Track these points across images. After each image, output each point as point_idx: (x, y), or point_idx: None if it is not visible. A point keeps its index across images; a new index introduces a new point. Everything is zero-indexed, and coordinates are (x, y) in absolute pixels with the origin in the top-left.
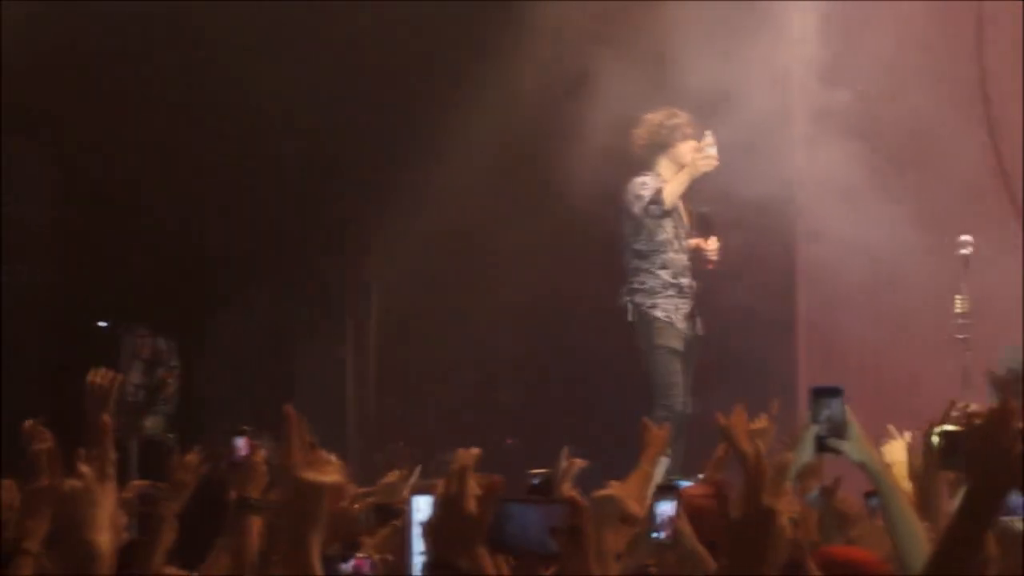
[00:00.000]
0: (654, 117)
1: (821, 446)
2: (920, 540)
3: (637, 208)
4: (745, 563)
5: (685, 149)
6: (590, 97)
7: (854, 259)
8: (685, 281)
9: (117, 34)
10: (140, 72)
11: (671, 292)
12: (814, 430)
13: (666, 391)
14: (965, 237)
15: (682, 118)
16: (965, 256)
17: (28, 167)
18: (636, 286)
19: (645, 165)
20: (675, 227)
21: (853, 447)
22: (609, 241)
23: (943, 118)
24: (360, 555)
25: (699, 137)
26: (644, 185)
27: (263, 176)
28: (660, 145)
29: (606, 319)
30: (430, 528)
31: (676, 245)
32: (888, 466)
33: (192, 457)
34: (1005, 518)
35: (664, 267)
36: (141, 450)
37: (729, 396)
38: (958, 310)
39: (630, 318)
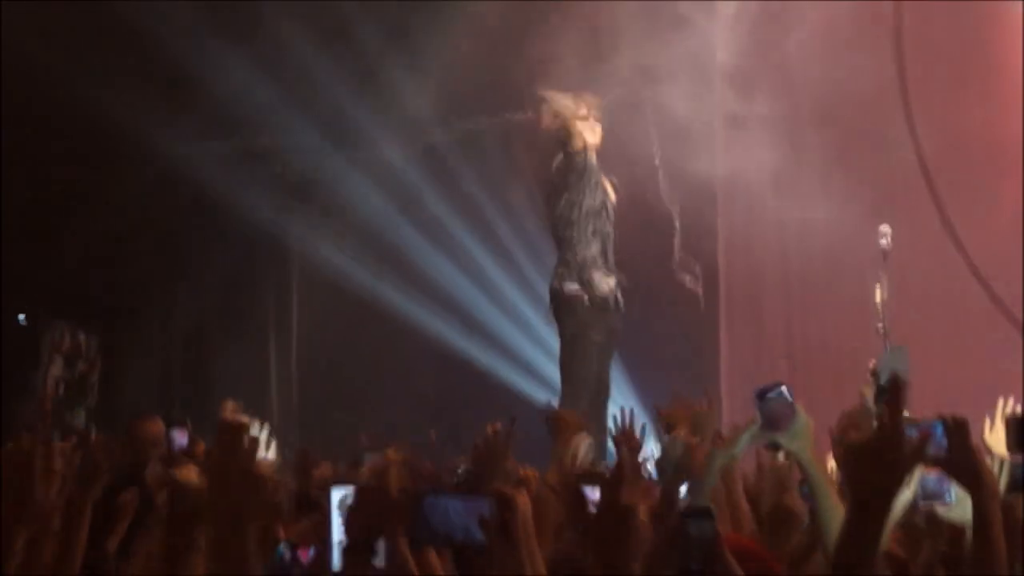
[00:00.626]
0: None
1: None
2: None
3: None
4: (608, 557)
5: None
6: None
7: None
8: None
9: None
10: (79, 73)
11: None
12: (754, 428)
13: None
14: (884, 227)
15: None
16: (884, 246)
17: None
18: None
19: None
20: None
21: (788, 438)
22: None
23: (865, 111)
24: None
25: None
26: None
27: (187, 172)
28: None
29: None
30: (351, 514)
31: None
32: (819, 462)
33: (107, 441)
34: (928, 502)
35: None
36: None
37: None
38: (877, 300)
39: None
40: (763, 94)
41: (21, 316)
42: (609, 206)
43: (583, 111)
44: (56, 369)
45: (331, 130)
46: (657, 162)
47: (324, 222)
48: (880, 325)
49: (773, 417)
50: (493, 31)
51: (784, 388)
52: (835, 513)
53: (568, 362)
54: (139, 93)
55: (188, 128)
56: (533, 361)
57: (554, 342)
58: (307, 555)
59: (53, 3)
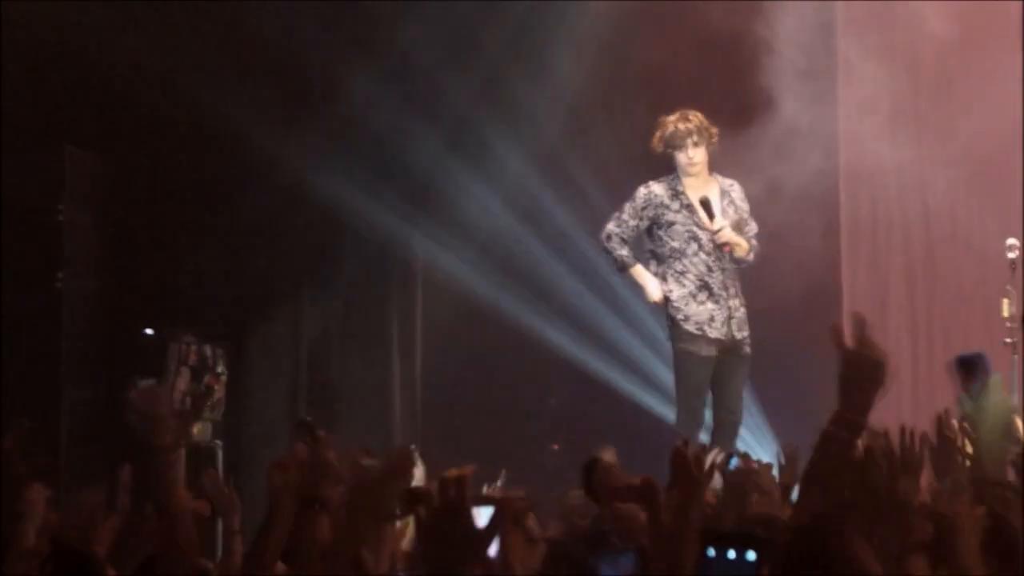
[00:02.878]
0: (668, 119)
1: None
2: None
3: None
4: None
5: (683, 158)
6: None
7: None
8: (714, 283)
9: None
10: (204, 83)
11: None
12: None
13: (686, 399)
14: (1012, 240)
15: (693, 122)
16: (1012, 260)
17: (83, 175)
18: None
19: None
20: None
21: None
22: None
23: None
24: None
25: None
26: (636, 196)
27: (314, 183)
28: (673, 147)
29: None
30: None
31: (696, 247)
32: None
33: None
34: None
35: (684, 272)
36: (188, 457)
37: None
38: (1005, 314)
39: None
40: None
41: (148, 329)
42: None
43: (692, 136)
44: (182, 383)
45: (455, 140)
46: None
47: (449, 233)
48: (1008, 340)
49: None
50: (615, 39)
51: None
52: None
53: (676, 379)
54: (265, 104)
55: (315, 139)
56: (661, 378)
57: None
58: None
59: (174, 9)
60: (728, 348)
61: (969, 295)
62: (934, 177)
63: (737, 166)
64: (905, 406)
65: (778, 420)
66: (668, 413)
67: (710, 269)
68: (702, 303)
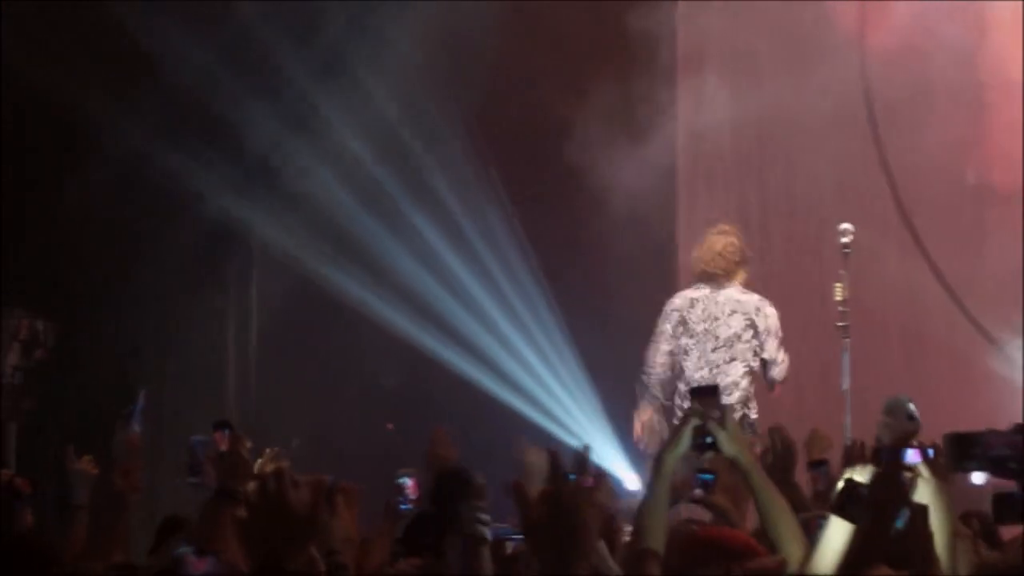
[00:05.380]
0: (737, 239)
1: (695, 443)
2: (791, 527)
3: (781, 354)
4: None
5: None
6: None
7: None
8: None
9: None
10: (33, 60)
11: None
12: (691, 427)
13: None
14: (845, 225)
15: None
16: (845, 244)
17: None
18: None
19: (727, 275)
20: None
21: (726, 442)
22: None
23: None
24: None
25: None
26: (773, 312)
27: (148, 157)
28: (743, 260)
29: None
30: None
31: None
32: (757, 460)
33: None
34: None
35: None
36: (19, 432)
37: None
38: (838, 298)
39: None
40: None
41: None
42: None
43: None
44: (13, 357)
45: (293, 117)
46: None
47: (285, 211)
48: (840, 324)
49: (711, 418)
50: (457, 25)
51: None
52: (782, 514)
53: None
54: (97, 79)
55: (150, 115)
56: (496, 358)
57: (518, 340)
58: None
59: None
60: None
61: (803, 280)
62: (773, 160)
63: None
64: None
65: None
66: (503, 393)
67: None
68: None
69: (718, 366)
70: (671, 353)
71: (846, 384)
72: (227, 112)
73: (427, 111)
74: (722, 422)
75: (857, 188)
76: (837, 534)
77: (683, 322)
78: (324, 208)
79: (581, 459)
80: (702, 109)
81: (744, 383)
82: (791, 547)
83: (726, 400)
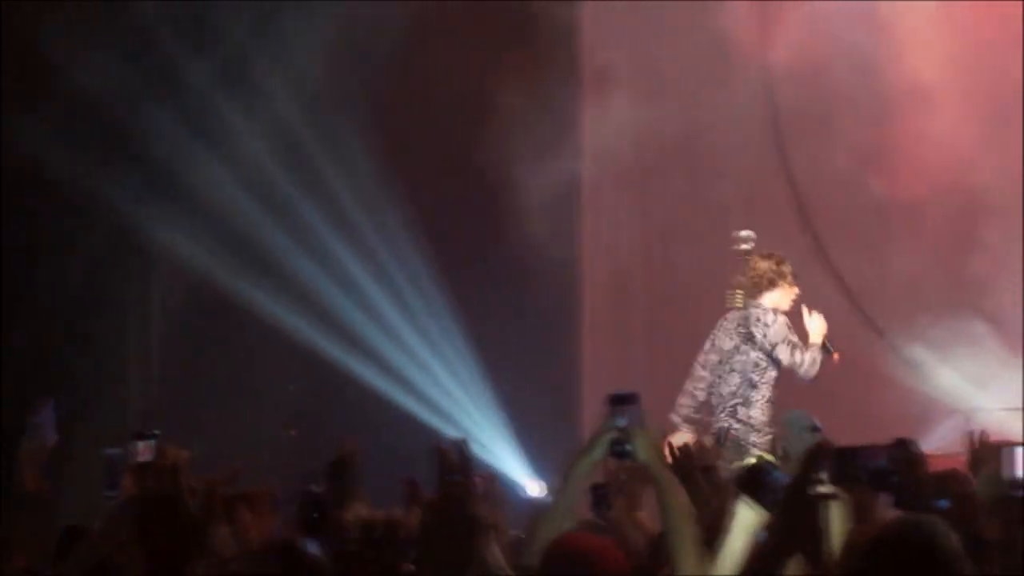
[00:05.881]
0: (767, 262)
1: (614, 450)
2: (691, 538)
3: (813, 372)
4: None
5: (788, 294)
6: None
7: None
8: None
9: None
10: None
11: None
12: (608, 435)
13: None
14: (744, 232)
15: (789, 267)
16: (745, 251)
17: None
18: (741, 417)
19: (750, 295)
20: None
21: (640, 448)
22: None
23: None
24: None
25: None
26: (776, 321)
27: (47, 159)
28: (769, 282)
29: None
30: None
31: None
32: (668, 470)
33: None
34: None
35: (769, 402)
36: None
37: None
38: (737, 305)
39: (721, 443)
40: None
41: None
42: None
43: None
44: None
45: (194, 122)
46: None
47: (186, 216)
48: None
49: (628, 426)
50: (359, 28)
51: (635, 398)
52: (685, 529)
53: None
54: None
55: (50, 119)
56: (399, 366)
57: (420, 346)
58: None
59: None
60: None
61: (705, 286)
62: (678, 171)
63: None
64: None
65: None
66: (405, 399)
67: None
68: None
69: (720, 377)
70: (703, 371)
71: None
72: (128, 117)
73: (329, 115)
74: (640, 429)
75: (761, 198)
76: (745, 522)
77: (712, 340)
78: (225, 212)
79: (461, 452)
80: (607, 119)
81: (741, 391)
82: (688, 559)
83: (724, 409)
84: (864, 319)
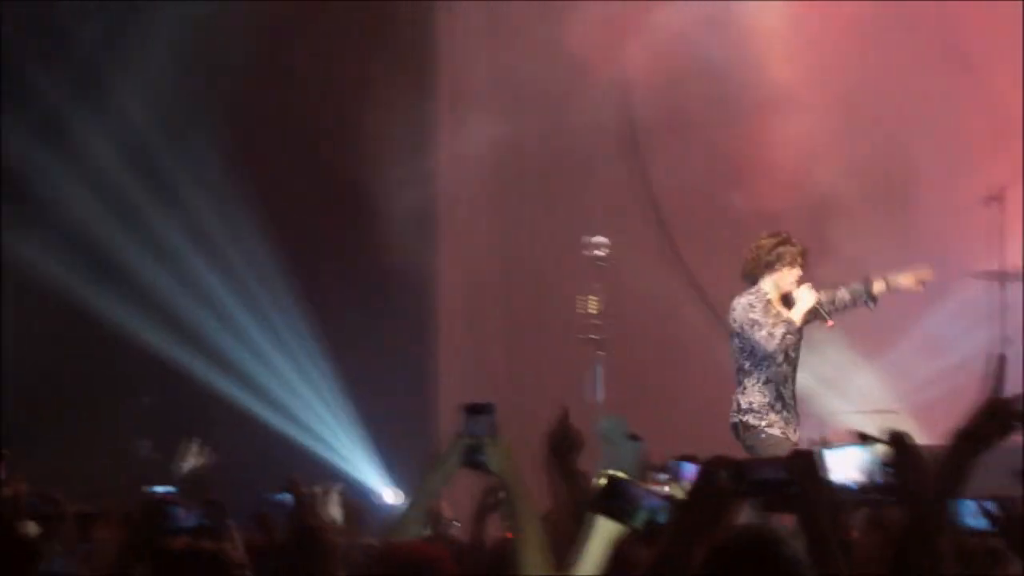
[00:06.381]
0: (768, 241)
1: (468, 460)
2: (536, 548)
3: (771, 345)
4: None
5: (787, 275)
6: None
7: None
8: (787, 392)
9: None
10: None
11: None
12: (462, 444)
13: None
14: (597, 239)
15: (795, 248)
16: (599, 257)
17: None
18: (742, 405)
19: (748, 279)
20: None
21: (493, 458)
22: None
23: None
24: None
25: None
26: (754, 309)
27: None
28: (766, 265)
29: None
30: None
31: (783, 357)
32: (521, 479)
33: None
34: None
35: (768, 382)
36: None
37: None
38: (591, 311)
39: (738, 437)
40: (487, 112)
41: None
42: None
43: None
44: None
45: (44, 132)
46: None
47: (37, 226)
48: (593, 336)
49: (482, 435)
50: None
51: (491, 408)
52: (532, 537)
53: None
54: None
55: None
56: (253, 375)
57: (276, 356)
58: None
59: None
60: None
61: (564, 295)
62: (532, 180)
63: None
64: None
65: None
66: (260, 409)
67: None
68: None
69: None
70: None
71: (599, 396)
72: None
73: (181, 123)
74: (493, 439)
75: (620, 206)
76: (601, 535)
77: None
78: (77, 222)
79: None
80: (465, 130)
81: (737, 380)
82: (534, 566)
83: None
84: (722, 325)
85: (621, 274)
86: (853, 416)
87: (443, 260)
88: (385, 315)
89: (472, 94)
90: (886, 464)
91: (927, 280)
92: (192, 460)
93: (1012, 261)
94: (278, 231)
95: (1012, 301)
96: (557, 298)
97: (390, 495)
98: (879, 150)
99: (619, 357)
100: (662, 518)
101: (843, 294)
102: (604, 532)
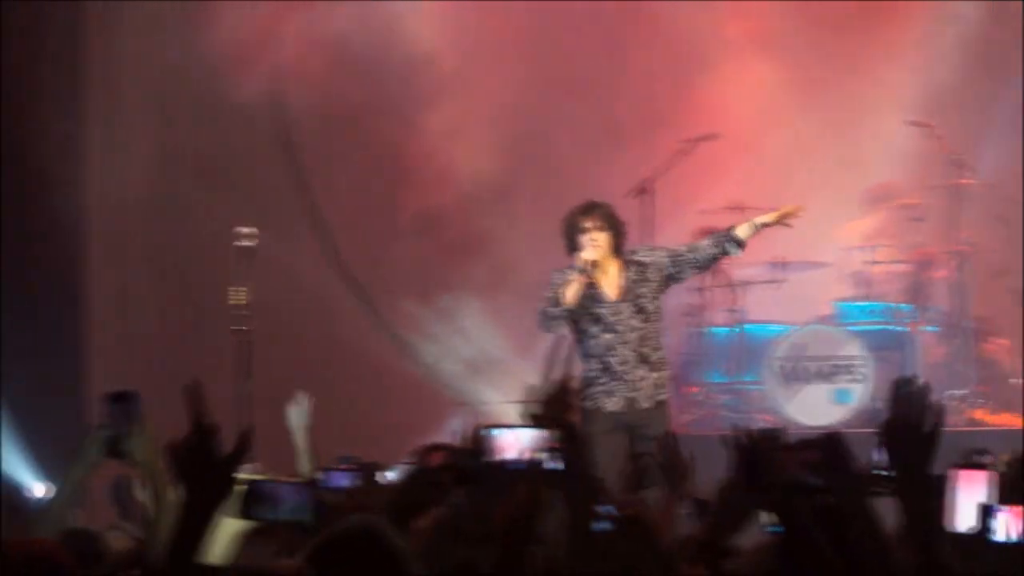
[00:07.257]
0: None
1: (111, 450)
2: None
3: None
4: None
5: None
6: None
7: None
8: (615, 360)
9: None
10: None
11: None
12: (103, 434)
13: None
14: (244, 229)
15: (586, 219)
16: (247, 248)
17: None
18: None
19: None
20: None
21: (136, 447)
22: None
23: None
24: None
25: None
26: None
27: None
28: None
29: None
30: None
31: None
32: (161, 468)
33: None
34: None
35: (589, 355)
36: None
37: None
38: (238, 301)
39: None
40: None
41: None
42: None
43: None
44: None
45: None
46: None
47: None
48: (240, 327)
49: (126, 424)
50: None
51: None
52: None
53: None
54: None
55: None
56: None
57: None
58: None
59: None
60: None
61: (208, 284)
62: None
63: None
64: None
65: None
66: None
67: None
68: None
69: None
70: None
71: (248, 387)
72: None
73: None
74: (138, 427)
75: (275, 202)
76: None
77: None
78: None
79: None
80: (115, 141)
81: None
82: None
83: None
84: (376, 320)
85: (276, 269)
86: (502, 406)
87: (91, 266)
88: (35, 308)
89: (126, 94)
90: (552, 448)
91: (795, 215)
92: None
93: None
94: None
95: None
96: (209, 291)
97: (40, 488)
98: (530, 139)
99: (274, 350)
100: (306, 516)
101: (705, 244)
102: (229, 527)
